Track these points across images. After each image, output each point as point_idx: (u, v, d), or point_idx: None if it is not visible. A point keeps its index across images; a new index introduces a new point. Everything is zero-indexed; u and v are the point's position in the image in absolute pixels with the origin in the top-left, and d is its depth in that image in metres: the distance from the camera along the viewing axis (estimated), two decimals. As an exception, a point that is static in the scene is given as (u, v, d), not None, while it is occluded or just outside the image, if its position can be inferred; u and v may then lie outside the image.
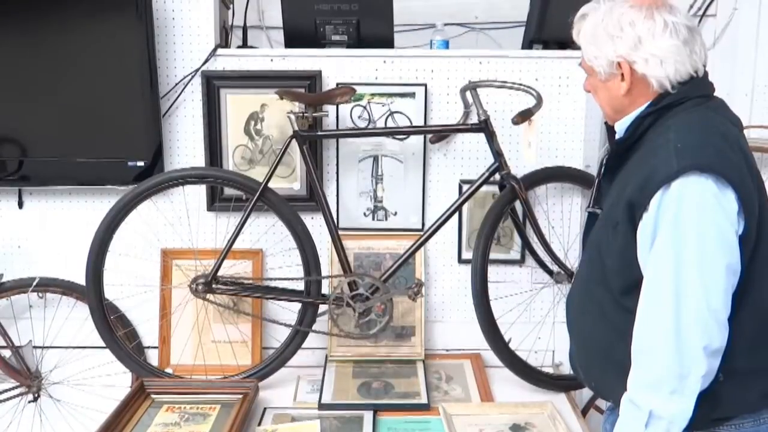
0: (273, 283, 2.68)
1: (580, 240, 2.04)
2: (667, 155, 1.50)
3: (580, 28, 1.69)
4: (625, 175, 1.64)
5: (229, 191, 2.68)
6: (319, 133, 2.62)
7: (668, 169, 1.48)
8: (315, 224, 2.70)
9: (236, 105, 2.69)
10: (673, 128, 1.55)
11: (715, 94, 1.67)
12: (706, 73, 1.64)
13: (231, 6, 2.90)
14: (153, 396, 2.47)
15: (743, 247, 1.49)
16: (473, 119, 2.61)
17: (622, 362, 1.57)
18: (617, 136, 1.71)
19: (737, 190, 1.48)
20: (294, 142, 2.50)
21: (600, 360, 1.71)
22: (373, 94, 2.69)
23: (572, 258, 2.69)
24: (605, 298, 1.66)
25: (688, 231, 1.46)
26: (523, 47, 2.78)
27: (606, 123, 1.80)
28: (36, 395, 2.77)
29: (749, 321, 1.54)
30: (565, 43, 2.63)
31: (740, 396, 1.56)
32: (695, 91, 1.60)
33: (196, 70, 2.68)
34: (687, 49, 1.57)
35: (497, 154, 2.51)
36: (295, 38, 2.69)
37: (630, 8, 1.59)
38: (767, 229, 1.54)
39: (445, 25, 2.86)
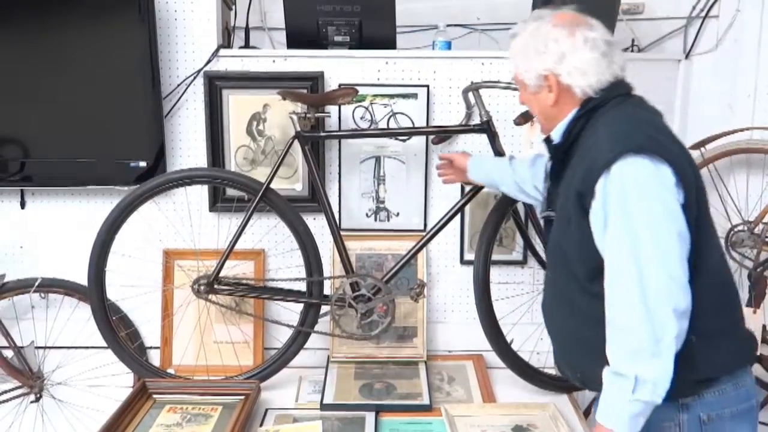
0: (275, 284, 2.68)
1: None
2: (603, 146, 1.64)
3: (512, 47, 1.84)
4: (569, 174, 1.76)
5: (231, 192, 2.68)
6: (322, 133, 2.62)
7: (606, 156, 1.61)
8: (317, 225, 2.71)
9: (238, 106, 2.69)
10: (602, 125, 1.70)
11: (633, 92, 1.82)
12: (624, 77, 1.80)
13: (233, 7, 2.90)
14: (155, 396, 2.46)
15: (687, 215, 1.61)
16: (475, 120, 2.62)
17: (598, 348, 1.66)
18: (554, 143, 1.84)
19: (671, 164, 1.60)
20: (296, 143, 2.50)
21: (579, 350, 1.78)
22: (375, 95, 2.69)
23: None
24: (573, 290, 1.76)
25: (635, 207, 1.58)
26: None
27: (544, 139, 1.92)
28: (38, 396, 2.76)
29: (709, 284, 1.67)
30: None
31: (713, 356, 1.68)
32: (615, 92, 1.75)
33: (199, 71, 2.68)
34: (606, 60, 1.74)
35: (499, 154, 2.52)
36: (297, 39, 2.70)
37: (554, 27, 1.75)
38: (704, 203, 1.70)
39: (447, 26, 2.86)
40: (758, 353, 2.46)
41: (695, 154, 2.87)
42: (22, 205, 2.78)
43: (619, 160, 1.60)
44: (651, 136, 1.65)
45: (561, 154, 1.82)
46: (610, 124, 1.69)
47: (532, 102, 1.86)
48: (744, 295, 2.82)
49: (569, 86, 1.75)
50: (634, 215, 1.58)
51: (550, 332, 1.95)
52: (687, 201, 1.62)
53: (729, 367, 1.72)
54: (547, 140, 1.90)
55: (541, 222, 2.08)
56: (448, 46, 2.81)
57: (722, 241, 2.81)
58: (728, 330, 1.73)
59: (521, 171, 2.27)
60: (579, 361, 1.79)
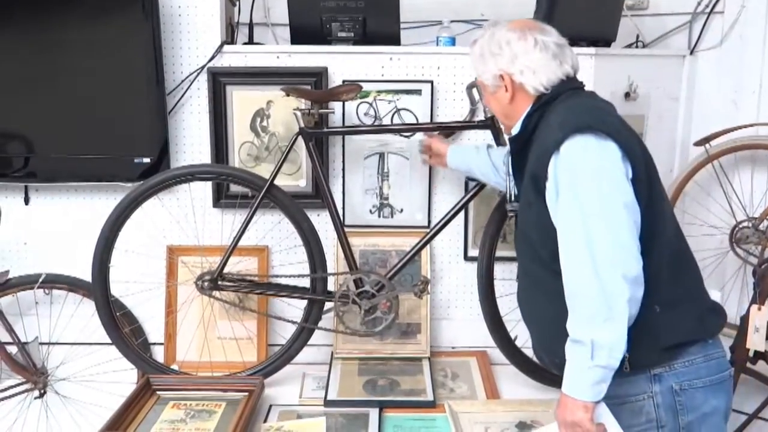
0: (279, 280, 2.67)
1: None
2: (552, 131, 1.75)
3: (472, 53, 1.98)
4: (528, 165, 1.86)
5: (235, 188, 2.68)
6: (325, 130, 2.61)
7: (555, 139, 1.72)
8: (321, 221, 2.70)
9: (242, 102, 2.69)
10: (553, 114, 1.82)
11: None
12: (576, 75, 1.93)
13: (237, 3, 2.89)
14: (159, 392, 2.48)
15: (636, 187, 1.69)
16: (479, 116, 2.62)
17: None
18: (512, 135, 1.96)
19: (615, 140, 1.69)
20: (300, 139, 2.50)
21: (553, 330, 1.81)
22: (379, 91, 2.70)
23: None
24: (541, 272, 1.85)
25: (583, 180, 1.67)
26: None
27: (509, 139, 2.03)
28: (42, 391, 2.76)
29: (664, 253, 1.76)
30: (573, 39, 2.60)
31: (676, 323, 1.75)
32: (567, 86, 1.87)
33: (202, 67, 2.68)
34: (557, 61, 1.86)
35: None
36: (301, 35, 2.69)
37: (507, 31, 1.89)
38: (654, 177, 1.78)
39: (451, 22, 2.85)
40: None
41: (700, 150, 2.87)
42: (26, 201, 2.79)
43: (566, 140, 1.70)
44: (596, 116, 1.75)
45: (519, 147, 1.92)
46: (560, 113, 1.80)
47: (493, 102, 1.98)
48: (748, 291, 2.83)
49: (522, 84, 1.87)
50: (582, 188, 1.67)
51: (527, 322, 2.02)
52: (635, 174, 1.70)
53: (693, 333, 1.78)
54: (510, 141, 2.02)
55: (502, 176, 2.25)
56: (452, 42, 2.79)
57: (726, 238, 2.87)
58: (688, 297, 1.81)
59: (497, 160, 2.37)
60: (556, 344, 1.81)
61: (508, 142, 2.01)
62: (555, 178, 1.73)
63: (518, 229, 1.99)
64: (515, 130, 1.94)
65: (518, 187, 2.02)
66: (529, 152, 1.87)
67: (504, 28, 1.90)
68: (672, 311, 1.75)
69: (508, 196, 2.20)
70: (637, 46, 3.01)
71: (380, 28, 2.67)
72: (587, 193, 1.67)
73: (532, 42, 1.86)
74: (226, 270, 2.52)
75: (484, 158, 2.40)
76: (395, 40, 2.70)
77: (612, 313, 1.64)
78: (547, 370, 2.57)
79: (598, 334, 1.64)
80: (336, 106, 2.65)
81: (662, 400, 1.77)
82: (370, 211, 2.78)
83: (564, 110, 1.81)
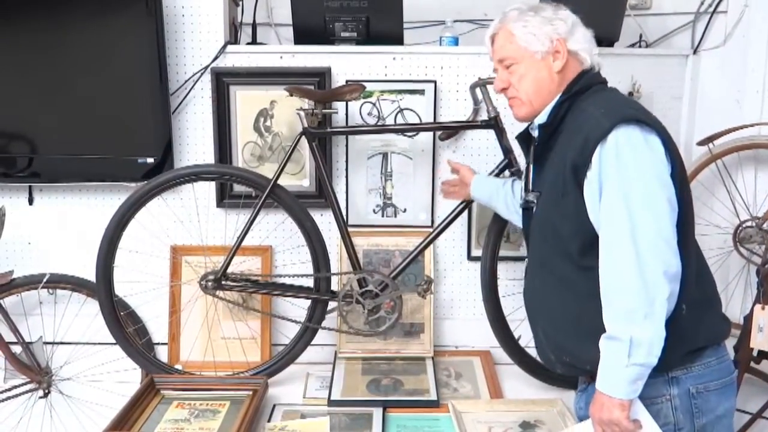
0: (282, 280, 2.68)
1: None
2: (596, 120, 1.72)
3: (503, 26, 1.91)
4: (557, 154, 1.83)
5: (238, 188, 2.69)
6: (329, 130, 2.61)
7: (601, 127, 1.69)
8: (324, 221, 2.70)
9: (246, 102, 2.69)
10: (590, 105, 1.79)
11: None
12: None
13: (240, 3, 2.90)
14: (163, 392, 2.48)
15: (674, 183, 1.69)
16: (483, 116, 2.60)
17: (592, 323, 1.71)
18: (541, 123, 1.90)
19: (660, 134, 1.70)
20: (303, 139, 2.50)
21: (573, 328, 1.81)
22: (382, 91, 2.70)
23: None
24: (565, 266, 1.81)
25: (630, 173, 1.65)
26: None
27: (517, 136, 2.07)
28: (46, 391, 2.76)
29: (692, 253, 1.75)
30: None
31: (700, 326, 1.74)
32: (596, 79, 1.89)
33: (206, 67, 2.69)
34: (592, 46, 1.90)
35: (507, 150, 2.51)
36: (304, 35, 2.69)
37: (552, 5, 1.91)
38: (685, 178, 1.77)
39: (455, 22, 2.85)
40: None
41: (703, 149, 2.87)
42: (30, 202, 2.79)
43: (614, 130, 1.67)
44: (640, 108, 1.78)
45: (547, 136, 1.88)
46: (598, 103, 1.78)
47: (530, 74, 1.88)
48: (752, 290, 2.82)
49: (577, 52, 1.86)
50: (629, 180, 1.65)
51: (536, 317, 1.97)
52: (674, 172, 1.70)
53: (713, 338, 1.79)
54: (521, 136, 2.04)
55: (520, 211, 2.11)
56: (456, 41, 2.79)
57: (730, 237, 2.87)
58: (710, 301, 1.82)
59: (519, 190, 2.26)
60: (572, 340, 1.81)
61: (537, 128, 1.94)
62: (599, 168, 1.69)
63: (539, 221, 1.91)
64: (542, 119, 1.90)
65: (536, 173, 1.97)
66: (555, 144, 1.85)
67: (544, 5, 1.92)
68: (697, 312, 1.74)
69: (523, 187, 2.08)
70: (640, 46, 3.00)
71: (384, 27, 2.67)
72: (634, 186, 1.65)
73: (579, 21, 1.89)
74: (229, 270, 2.52)
75: (508, 191, 2.32)
76: (399, 40, 2.70)
77: (652, 309, 1.61)
78: (550, 369, 2.58)
79: (637, 330, 1.61)
80: (339, 106, 2.66)
81: (680, 403, 1.76)
82: (374, 210, 2.78)
83: (603, 101, 1.80)
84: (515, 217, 2.26)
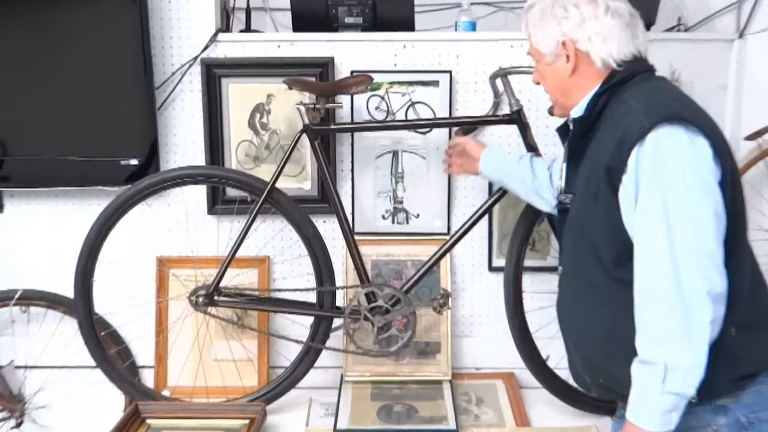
0: (281, 295, 2.63)
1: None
2: (635, 116, 1.63)
3: (528, 16, 1.86)
4: (593, 151, 1.75)
5: (232, 192, 2.63)
6: (332, 126, 2.55)
7: (639, 126, 1.59)
8: (328, 228, 2.67)
9: (239, 96, 2.64)
10: (631, 98, 1.69)
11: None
12: (646, 57, 1.82)
13: (233, -14, 2.89)
14: (148, 421, 2.43)
15: (724, 191, 1.59)
16: (504, 110, 2.56)
17: (627, 341, 1.62)
18: (577, 117, 1.83)
19: (708, 136, 1.59)
20: (304, 137, 2.44)
21: (605, 346, 1.74)
22: (391, 83, 2.64)
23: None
24: (598, 277, 1.73)
25: (671, 179, 1.56)
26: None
27: (557, 128, 1.98)
28: (19, 421, 2.71)
29: (746, 269, 1.66)
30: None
31: (752, 350, 1.65)
32: (641, 67, 1.77)
33: (195, 58, 2.63)
34: (629, 32, 1.75)
35: (531, 148, 2.44)
36: (304, 21, 2.65)
37: None
38: (738, 183, 1.67)
39: (472, 4, 2.81)
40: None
41: (752, 145, 2.76)
42: (0, 209, 2.73)
43: (653, 130, 1.58)
44: (686, 105, 1.67)
45: (583, 130, 1.81)
46: (639, 96, 1.69)
47: (548, 74, 1.86)
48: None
49: (588, 53, 1.76)
50: (669, 187, 1.56)
51: (568, 333, 1.91)
52: (723, 178, 1.60)
53: (766, 363, 1.70)
54: (561, 129, 1.96)
55: (555, 212, 2.07)
56: (473, 26, 2.73)
57: None
58: (764, 321, 1.71)
59: (541, 171, 2.23)
60: (606, 360, 1.75)
61: (558, 134, 1.93)
62: (636, 174, 1.59)
63: (573, 225, 1.84)
64: (577, 113, 1.82)
65: (571, 172, 1.89)
66: (594, 137, 1.76)
67: None
68: (748, 334, 1.64)
69: (561, 185, 2.02)
70: (679, 30, 2.93)
71: (392, 12, 2.64)
72: (675, 195, 1.55)
73: (604, 7, 1.74)
74: (222, 284, 2.46)
75: (526, 173, 2.26)
76: (409, 26, 2.67)
77: (690, 332, 1.52)
78: (584, 393, 2.39)
79: (672, 355, 1.53)
80: (344, 100, 2.59)
81: None
82: (383, 216, 2.73)
83: (645, 93, 1.69)
84: (536, 199, 2.24)
